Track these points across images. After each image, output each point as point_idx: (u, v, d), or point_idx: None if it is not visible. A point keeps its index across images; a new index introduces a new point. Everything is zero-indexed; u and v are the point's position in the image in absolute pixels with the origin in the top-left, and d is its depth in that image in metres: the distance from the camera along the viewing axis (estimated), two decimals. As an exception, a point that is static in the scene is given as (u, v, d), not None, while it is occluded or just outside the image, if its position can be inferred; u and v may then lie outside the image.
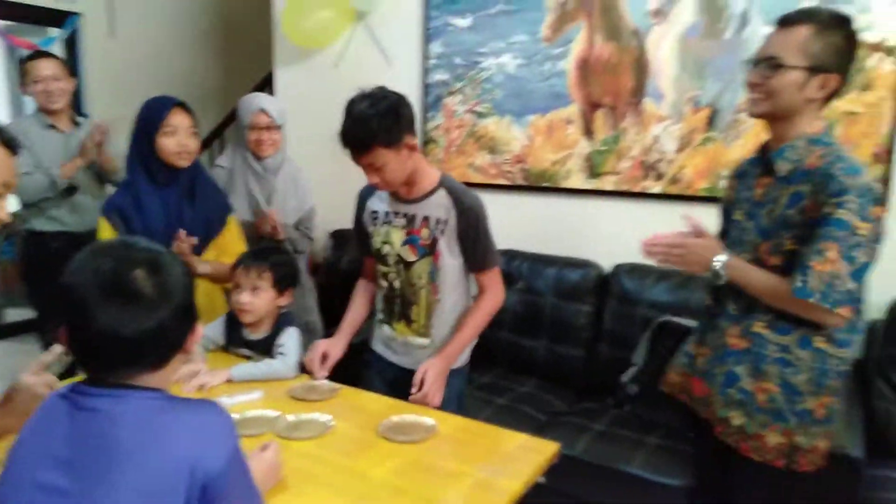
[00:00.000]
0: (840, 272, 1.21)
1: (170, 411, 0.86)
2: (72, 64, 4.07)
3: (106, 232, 1.95)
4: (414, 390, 1.62)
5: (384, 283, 1.80)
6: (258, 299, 1.81)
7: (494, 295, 1.78)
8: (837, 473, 1.74)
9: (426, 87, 3.07)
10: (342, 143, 1.59)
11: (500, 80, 2.88)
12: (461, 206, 1.67)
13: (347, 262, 3.14)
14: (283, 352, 1.77)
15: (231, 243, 2.09)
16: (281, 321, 1.85)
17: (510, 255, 2.84)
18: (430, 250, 1.70)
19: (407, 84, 3.12)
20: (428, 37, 3.03)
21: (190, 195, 2.00)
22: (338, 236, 3.28)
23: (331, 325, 2.54)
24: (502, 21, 2.83)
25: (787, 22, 1.30)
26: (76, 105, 4.09)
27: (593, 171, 2.74)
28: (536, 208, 2.90)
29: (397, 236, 1.73)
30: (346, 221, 3.15)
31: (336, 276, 3.14)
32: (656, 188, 2.62)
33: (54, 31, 3.95)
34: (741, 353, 1.38)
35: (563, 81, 2.74)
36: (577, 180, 2.78)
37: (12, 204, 3.33)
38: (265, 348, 1.81)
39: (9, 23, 3.89)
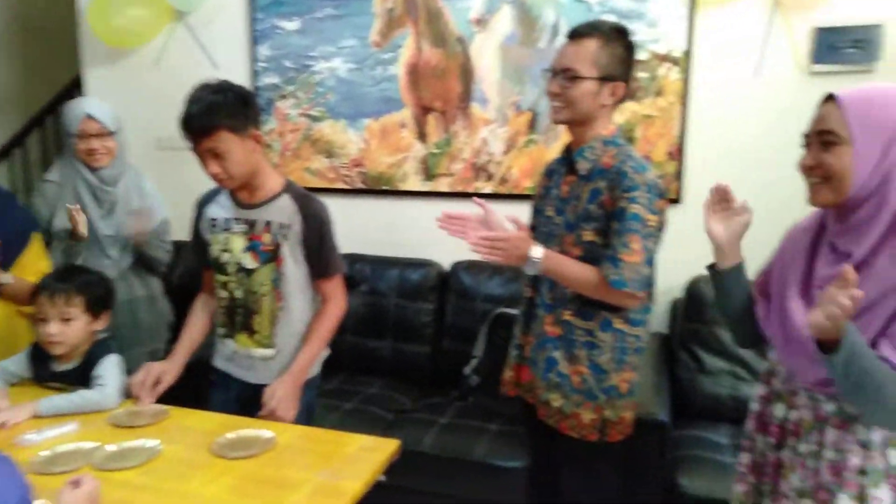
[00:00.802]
0: (641, 260, 1.36)
1: None
2: None
3: None
4: (264, 411, 1.57)
5: (224, 294, 1.72)
6: (69, 329, 1.64)
7: (337, 303, 1.76)
8: (647, 437, 1.96)
9: (256, 90, 2.98)
10: (183, 129, 1.52)
11: (333, 83, 2.87)
12: (306, 211, 1.65)
13: (180, 275, 2.96)
14: (101, 383, 1.62)
15: (33, 262, 1.89)
16: (96, 349, 1.69)
17: (352, 258, 2.84)
18: (273, 256, 1.66)
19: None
20: (255, 39, 2.94)
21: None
22: (167, 248, 3.08)
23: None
24: (331, 25, 2.82)
25: (577, 35, 1.44)
26: None
27: (428, 174, 2.83)
28: (376, 211, 2.94)
29: (238, 243, 1.67)
30: (177, 232, 2.98)
31: (168, 290, 2.95)
32: (488, 188, 2.76)
33: None
34: (556, 339, 1.50)
35: (395, 86, 2.79)
36: (414, 182, 2.85)
37: None
38: (79, 379, 1.65)
39: None
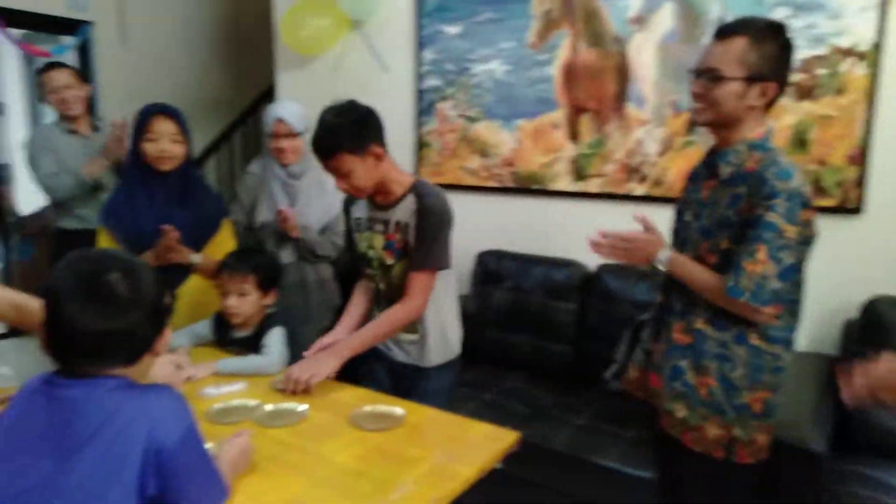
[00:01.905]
0: (768, 272, 1.28)
1: (126, 393, 0.96)
2: (85, 71, 4.23)
3: (104, 240, 2.08)
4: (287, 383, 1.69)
5: (371, 285, 1.91)
6: (244, 303, 1.93)
7: (411, 301, 1.77)
8: (796, 466, 1.81)
9: (420, 93, 3.17)
10: (313, 150, 1.70)
11: (490, 85, 2.97)
12: (421, 206, 1.74)
13: (345, 262, 3.25)
14: (267, 351, 1.87)
15: (222, 244, 2.20)
16: (267, 321, 1.96)
17: (499, 254, 2.93)
18: (405, 253, 1.79)
19: (402, 90, 3.23)
20: (421, 44, 3.13)
21: (181, 198, 2.10)
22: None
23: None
24: (490, 28, 2.92)
25: (724, 34, 1.38)
26: (90, 110, 4.26)
27: (579, 174, 2.82)
28: (525, 210, 2.99)
29: (378, 241, 1.83)
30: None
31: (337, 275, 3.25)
32: (640, 190, 2.69)
33: (67, 40, 4.11)
34: (685, 347, 1.45)
35: (550, 86, 2.82)
36: (564, 182, 2.86)
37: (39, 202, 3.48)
38: (251, 346, 1.92)
39: (23, 31, 4.06)
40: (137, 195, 2.08)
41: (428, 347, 1.86)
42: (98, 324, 0.93)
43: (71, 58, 4.20)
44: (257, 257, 2.02)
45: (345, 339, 1.79)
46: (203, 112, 4.69)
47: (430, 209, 1.74)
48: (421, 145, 3.20)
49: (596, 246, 1.48)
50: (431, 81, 3.13)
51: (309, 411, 1.58)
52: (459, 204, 3.11)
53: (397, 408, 1.59)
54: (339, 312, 2.69)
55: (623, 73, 2.66)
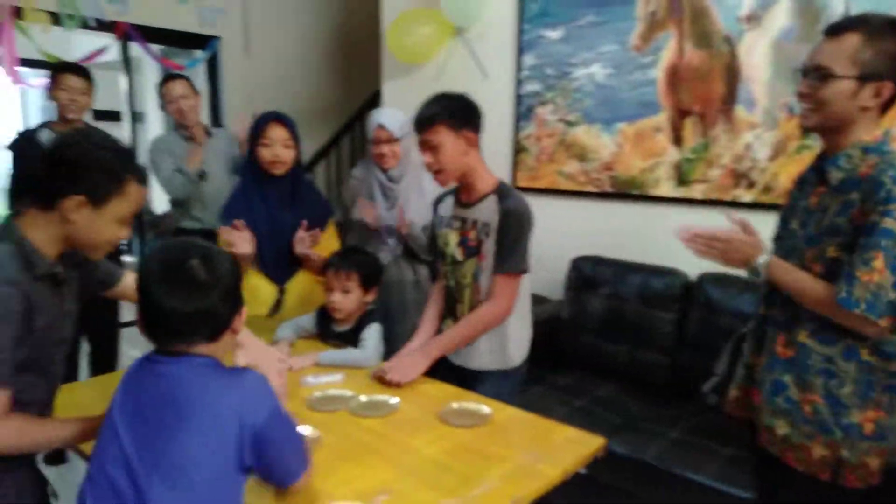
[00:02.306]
0: (885, 282, 1.20)
1: (217, 372, 1.07)
2: (212, 81, 4.60)
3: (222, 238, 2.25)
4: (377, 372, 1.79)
5: (444, 281, 1.97)
6: (347, 300, 2.03)
7: (497, 304, 1.81)
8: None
9: (519, 98, 3.19)
10: (414, 125, 1.79)
11: (590, 89, 2.94)
12: (504, 208, 1.77)
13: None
14: (364, 345, 1.97)
15: (327, 242, 2.33)
16: (365, 317, 2.05)
17: (595, 260, 2.89)
18: (476, 251, 1.83)
19: (501, 95, 3.26)
20: (521, 49, 3.15)
21: (290, 199, 2.25)
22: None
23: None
24: (592, 32, 2.89)
25: (836, 30, 1.30)
26: (216, 117, 4.62)
27: (682, 179, 2.73)
28: (624, 215, 2.93)
29: (454, 238, 1.89)
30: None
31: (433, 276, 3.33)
32: (748, 197, 2.57)
33: (198, 54, 4.49)
34: (787, 361, 1.38)
35: (653, 90, 2.76)
36: (666, 188, 2.78)
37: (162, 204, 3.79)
38: (351, 340, 2.02)
39: (161, 47, 4.47)
40: (252, 196, 2.25)
41: (478, 351, 1.88)
42: (182, 305, 1.03)
43: (201, 70, 4.58)
44: (361, 257, 2.12)
45: (434, 340, 1.86)
46: (315, 119, 4.96)
47: (514, 211, 1.77)
48: (518, 150, 3.22)
49: (690, 242, 1.43)
50: (531, 86, 3.15)
51: (400, 404, 1.65)
52: (555, 208, 3.14)
53: (484, 406, 1.63)
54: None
55: (732, 75, 2.55)
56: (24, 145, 2.81)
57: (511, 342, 1.89)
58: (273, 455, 1.06)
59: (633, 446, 2.22)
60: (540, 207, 3.20)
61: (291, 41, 4.93)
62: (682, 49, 2.66)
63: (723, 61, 2.57)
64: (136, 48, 4.22)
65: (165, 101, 3.05)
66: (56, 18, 3.70)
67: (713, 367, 2.13)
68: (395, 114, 2.51)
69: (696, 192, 2.70)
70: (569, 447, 1.47)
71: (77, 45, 4.46)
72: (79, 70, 2.84)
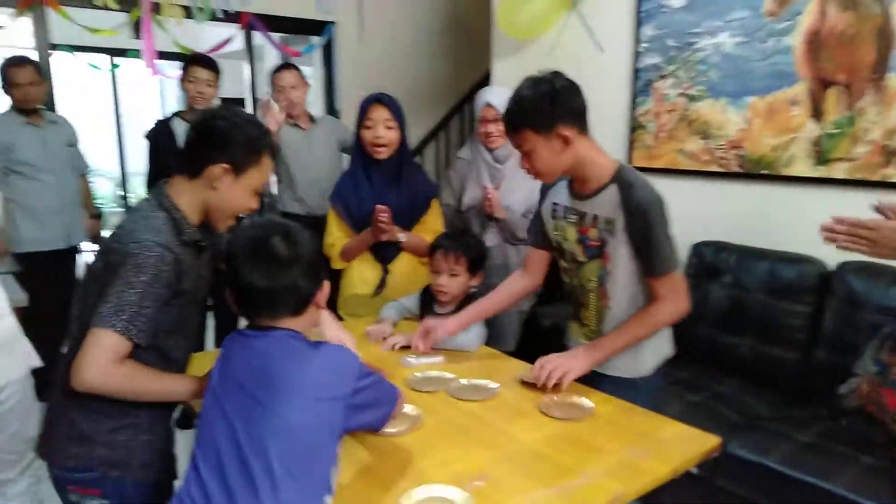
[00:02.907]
0: None
1: (305, 348, 1.10)
2: (327, 66, 4.74)
3: (332, 218, 2.30)
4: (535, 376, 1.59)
5: (565, 279, 1.75)
6: (454, 283, 2.01)
7: (670, 304, 1.57)
8: None
9: (636, 72, 3.01)
10: (504, 123, 1.63)
11: (716, 60, 2.71)
12: (629, 204, 1.52)
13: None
14: (466, 330, 1.90)
15: (430, 223, 2.32)
16: (468, 300, 1.99)
17: (718, 246, 2.69)
18: (599, 252, 1.60)
19: (617, 69, 3.10)
20: (640, 20, 2.96)
21: (396, 180, 2.25)
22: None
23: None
24: (720, -2, 2.66)
25: None
26: (330, 101, 4.76)
27: (821, 158, 2.46)
28: (751, 197, 2.69)
29: (572, 234, 1.67)
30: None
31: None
32: (901, 176, 2.27)
33: (314, 40, 4.63)
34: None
35: (788, 58, 2.49)
36: (802, 167, 2.52)
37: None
38: None
39: (280, 35, 4.65)
40: (359, 178, 2.28)
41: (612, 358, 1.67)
42: (266, 281, 1.08)
43: (316, 56, 4.73)
44: (470, 240, 2.09)
45: (604, 339, 1.61)
46: (427, 101, 4.98)
47: (644, 205, 1.51)
48: (634, 127, 3.05)
49: (829, 233, 1.27)
50: (650, 59, 2.95)
51: (500, 390, 1.61)
52: (674, 190, 2.91)
53: (586, 399, 1.54)
54: (539, 296, 2.70)
55: (885, 38, 2.25)
56: (158, 134, 3.00)
57: (646, 345, 1.64)
58: (367, 415, 1.12)
59: (754, 448, 2.05)
60: (657, 188, 3.05)
61: (404, 24, 4.96)
62: (825, 12, 2.38)
63: (873, 24, 2.27)
64: (258, 37, 4.42)
65: (275, 89, 3.15)
66: (188, 12, 3.95)
67: (853, 367, 1.92)
68: (503, 92, 2.42)
69: (838, 171, 2.42)
70: (679, 445, 1.37)
71: (206, 36, 4.74)
72: (206, 62, 2.99)
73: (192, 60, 3.00)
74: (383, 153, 2.20)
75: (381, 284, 2.29)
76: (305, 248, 1.10)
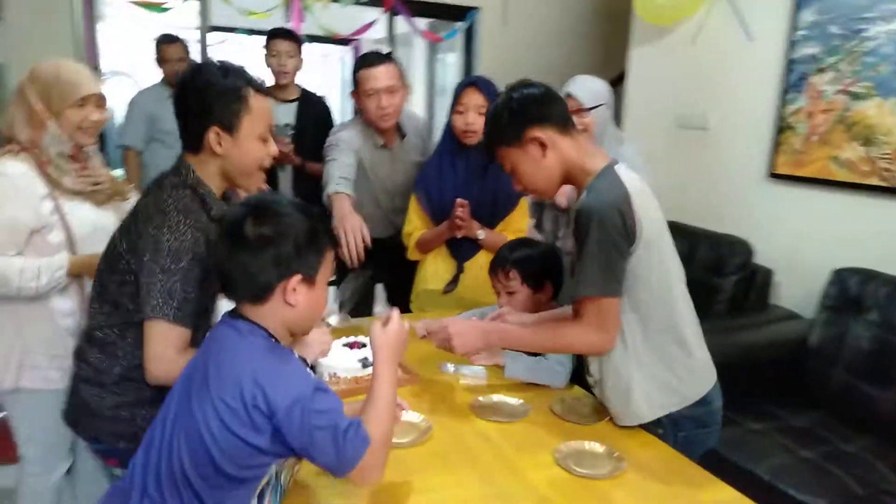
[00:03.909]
0: None
1: (248, 346, 0.99)
2: (468, 51, 4.68)
3: (413, 206, 2.21)
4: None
5: None
6: (515, 301, 1.74)
7: (582, 330, 1.33)
8: None
9: (789, 64, 2.58)
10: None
11: (889, 51, 2.23)
12: (578, 208, 1.31)
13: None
14: (549, 360, 1.60)
15: (516, 222, 2.16)
16: None
17: (866, 275, 2.25)
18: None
19: (766, 60, 2.69)
20: (798, 3, 2.53)
21: (483, 172, 2.12)
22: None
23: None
24: (902, -26, 2.17)
25: None
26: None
27: None
28: (918, 220, 2.20)
29: (569, 247, 1.52)
30: (676, 212, 2.90)
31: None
32: None
33: (457, 25, 4.58)
34: None
35: None
36: None
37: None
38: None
39: (426, 20, 4.67)
40: (444, 165, 2.17)
41: (606, 397, 1.43)
42: (225, 259, 1.00)
43: (458, 41, 4.68)
44: (523, 250, 1.80)
45: (507, 329, 1.48)
46: (567, 90, 4.73)
47: (589, 209, 1.28)
48: (782, 128, 2.62)
49: None
50: (806, 49, 2.51)
51: (528, 413, 1.44)
52: (819, 204, 2.49)
53: (616, 452, 1.27)
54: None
55: None
56: None
57: (633, 387, 1.36)
58: (303, 444, 0.95)
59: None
60: (800, 200, 2.63)
61: (549, 9, 4.74)
62: None
63: None
64: (404, 24, 4.46)
65: (269, 54, 2.88)
66: (335, -4, 4.08)
67: None
68: (586, 81, 2.19)
69: None
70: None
71: (351, 20, 4.87)
72: (285, 33, 2.89)
73: (272, 34, 2.89)
74: (473, 139, 2.08)
75: (454, 282, 2.18)
76: (274, 232, 0.99)
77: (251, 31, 5.45)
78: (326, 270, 1.07)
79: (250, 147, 1.29)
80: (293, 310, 1.03)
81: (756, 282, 2.63)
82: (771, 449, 1.99)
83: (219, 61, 1.30)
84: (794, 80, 2.56)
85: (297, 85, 3.00)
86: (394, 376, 1.10)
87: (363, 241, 1.89)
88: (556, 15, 4.76)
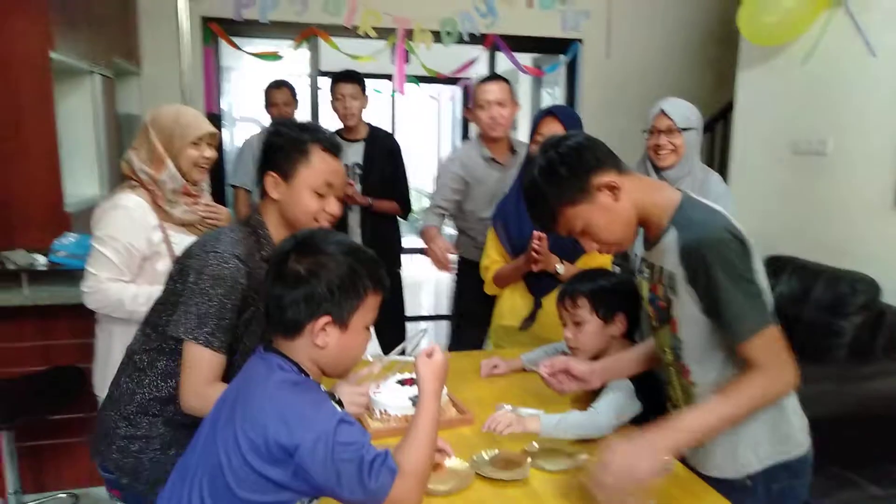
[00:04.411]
0: None
1: (278, 381, 0.98)
2: (571, 84, 4.62)
3: (491, 239, 2.19)
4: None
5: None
6: (583, 334, 1.61)
7: (762, 374, 1.14)
8: None
9: (918, 81, 2.31)
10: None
11: None
12: (683, 247, 1.17)
13: (779, 294, 2.64)
14: (595, 407, 1.46)
15: (599, 256, 2.05)
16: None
17: None
18: (667, 316, 1.27)
19: (891, 77, 2.42)
20: (927, 12, 2.26)
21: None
22: (776, 263, 2.75)
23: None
24: None
25: None
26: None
27: None
28: None
29: (645, 291, 1.35)
30: (790, 246, 2.66)
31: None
32: None
33: (559, 58, 4.55)
34: None
35: None
36: None
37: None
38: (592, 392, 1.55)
39: (531, 55, 4.67)
40: (523, 197, 2.12)
41: (706, 449, 1.27)
42: (268, 289, 1.02)
43: (560, 74, 4.65)
44: (596, 279, 1.68)
45: (681, 419, 1.18)
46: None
47: (702, 244, 1.15)
48: (910, 154, 2.33)
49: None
50: (939, 63, 2.23)
51: (582, 462, 1.33)
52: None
53: None
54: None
55: None
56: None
57: (742, 435, 1.23)
58: (326, 482, 0.93)
59: None
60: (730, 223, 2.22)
61: (651, 36, 4.59)
62: None
63: None
64: (505, 59, 4.50)
65: (335, 97, 2.93)
66: (437, 36, 4.20)
67: None
68: (680, 103, 2.07)
69: None
70: None
71: (453, 59, 4.96)
72: (348, 76, 2.93)
73: (336, 78, 2.91)
74: None
75: (531, 318, 2.10)
76: (308, 271, 0.99)
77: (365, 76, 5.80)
78: (366, 315, 1.05)
79: (303, 197, 1.35)
80: (322, 351, 1.03)
81: (884, 324, 2.32)
82: (840, 483, 1.73)
83: (301, 122, 1.41)
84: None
85: (365, 123, 3.04)
86: (436, 409, 1.08)
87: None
88: (659, 43, 4.60)
